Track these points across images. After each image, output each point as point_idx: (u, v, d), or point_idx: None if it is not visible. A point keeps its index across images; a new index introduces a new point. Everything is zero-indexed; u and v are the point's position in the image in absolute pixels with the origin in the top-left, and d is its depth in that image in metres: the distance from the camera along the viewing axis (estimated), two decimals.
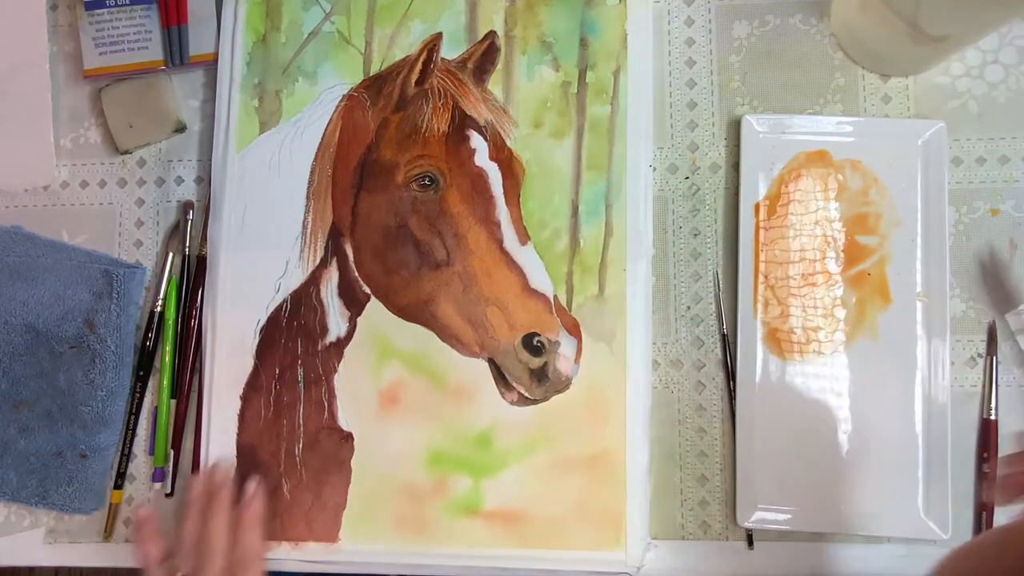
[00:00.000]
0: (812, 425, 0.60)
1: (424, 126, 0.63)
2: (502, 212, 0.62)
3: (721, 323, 0.62)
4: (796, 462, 0.59)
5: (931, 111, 0.63)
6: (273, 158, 0.64)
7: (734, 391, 0.60)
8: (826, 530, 0.59)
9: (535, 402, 0.60)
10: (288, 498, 0.61)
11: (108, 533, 0.63)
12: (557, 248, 0.62)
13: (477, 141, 0.63)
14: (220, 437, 0.62)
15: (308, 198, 0.64)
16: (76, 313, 0.64)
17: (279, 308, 0.63)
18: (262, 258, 0.64)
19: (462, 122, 0.63)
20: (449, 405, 0.61)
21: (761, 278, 0.61)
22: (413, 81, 0.63)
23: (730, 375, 0.61)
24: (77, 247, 0.66)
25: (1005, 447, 0.59)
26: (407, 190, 0.62)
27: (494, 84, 0.64)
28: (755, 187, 0.61)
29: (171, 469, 0.63)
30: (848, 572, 0.59)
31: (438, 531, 0.60)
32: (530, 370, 0.60)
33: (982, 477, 0.59)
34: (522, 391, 0.60)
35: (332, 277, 0.63)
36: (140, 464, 0.65)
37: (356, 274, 0.63)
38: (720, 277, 0.62)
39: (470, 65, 0.64)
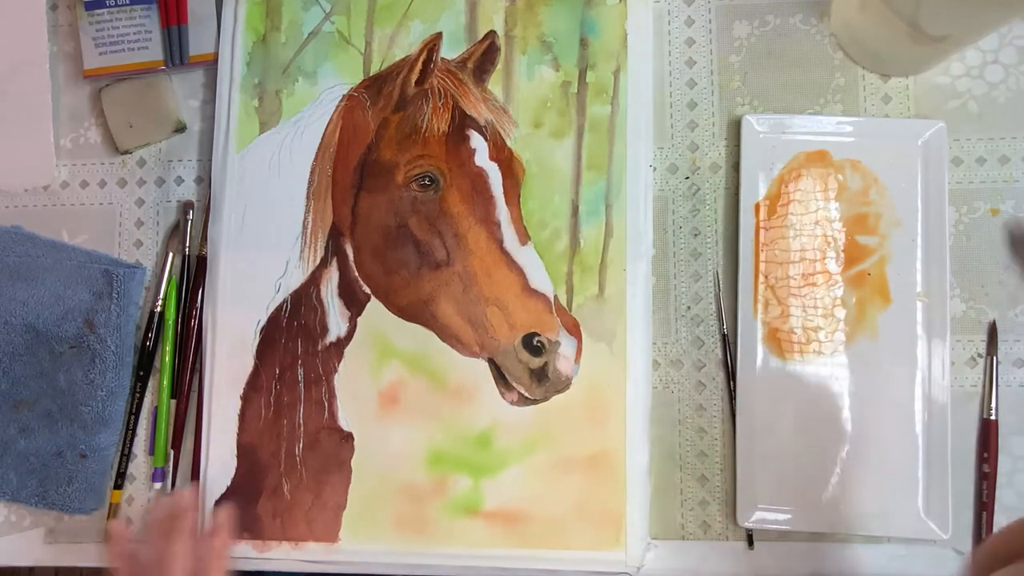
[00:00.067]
0: (812, 425, 0.60)
1: (424, 126, 0.63)
2: (502, 212, 0.62)
3: (721, 323, 0.62)
4: (796, 462, 0.59)
5: (931, 111, 0.63)
6: (273, 158, 0.64)
7: (734, 391, 0.60)
8: (826, 530, 0.59)
9: (535, 402, 0.60)
10: (288, 498, 0.61)
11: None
12: (557, 248, 0.62)
13: (477, 141, 0.63)
14: (220, 437, 0.62)
15: (308, 198, 0.64)
16: (76, 313, 0.64)
17: (279, 308, 0.63)
18: (262, 258, 0.63)
19: (462, 122, 0.63)
20: (449, 405, 0.61)
21: (761, 278, 0.61)
22: (413, 81, 0.63)
23: (730, 375, 0.61)
24: (77, 247, 0.66)
25: (1005, 447, 0.59)
26: (407, 190, 0.62)
27: (494, 84, 0.64)
28: (755, 187, 0.61)
29: (171, 469, 0.64)
30: (848, 572, 0.59)
31: (438, 531, 0.60)
32: (530, 370, 0.60)
33: (982, 477, 0.59)
34: (522, 391, 0.60)
35: (332, 277, 0.63)
36: (140, 464, 0.65)
37: (356, 274, 0.63)
38: (720, 277, 0.62)
39: (470, 65, 0.64)
